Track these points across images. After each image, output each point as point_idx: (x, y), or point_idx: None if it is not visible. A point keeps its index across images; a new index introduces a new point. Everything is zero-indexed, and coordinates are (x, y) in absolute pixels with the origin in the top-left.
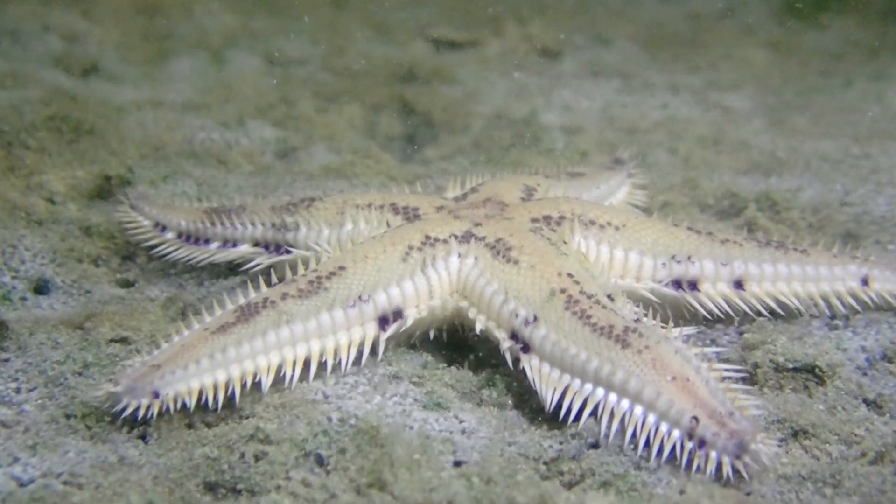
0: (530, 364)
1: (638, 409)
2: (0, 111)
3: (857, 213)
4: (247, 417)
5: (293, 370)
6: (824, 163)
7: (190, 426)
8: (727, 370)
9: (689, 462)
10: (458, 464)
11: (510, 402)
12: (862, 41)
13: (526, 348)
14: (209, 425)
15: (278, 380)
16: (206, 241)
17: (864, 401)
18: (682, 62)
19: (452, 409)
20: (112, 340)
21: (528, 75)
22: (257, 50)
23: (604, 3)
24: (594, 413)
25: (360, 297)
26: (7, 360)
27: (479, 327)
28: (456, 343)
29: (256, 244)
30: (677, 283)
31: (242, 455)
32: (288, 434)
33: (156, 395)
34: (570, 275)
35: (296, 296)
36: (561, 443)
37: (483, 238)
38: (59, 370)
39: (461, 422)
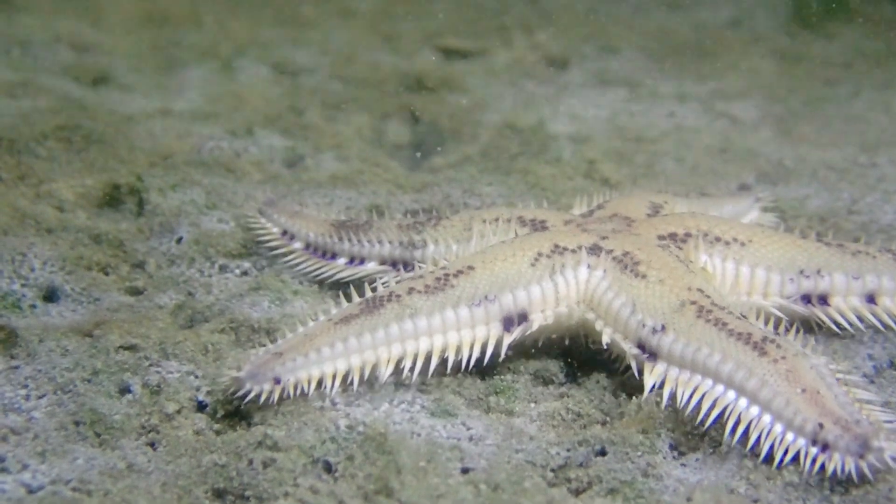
0: (658, 370)
1: (766, 418)
2: (10, 120)
3: (865, 222)
4: (255, 424)
5: (413, 363)
6: (831, 171)
7: (198, 433)
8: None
9: (812, 466)
10: (465, 471)
11: (517, 409)
12: (869, 51)
13: (653, 357)
14: (218, 432)
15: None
16: (333, 256)
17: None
18: (690, 71)
19: (460, 417)
20: (121, 348)
21: (535, 84)
22: (266, 59)
23: (611, 13)
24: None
25: (486, 297)
26: (17, 368)
27: (605, 340)
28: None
29: (383, 262)
30: (806, 298)
31: (251, 462)
32: (296, 441)
33: (277, 380)
34: (699, 289)
35: (422, 291)
36: (568, 450)
37: (611, 251)
38: (69, 377)
39: (469, 429)
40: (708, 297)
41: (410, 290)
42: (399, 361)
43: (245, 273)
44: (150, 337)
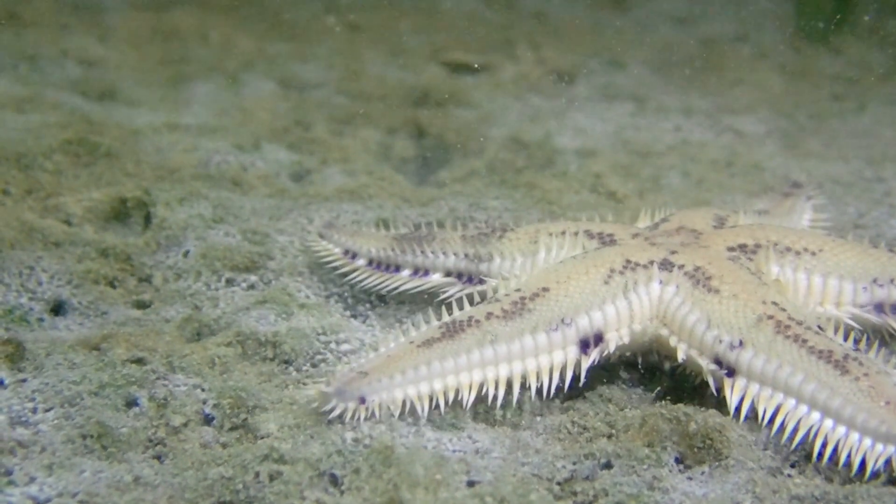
0: (738, 386)
1: (854, 436)
2: (18, 135)
3: (871, 236)
4: (262, 437)
5: (496, 389)
6: (837, 185)
7: (204, 446)
8: None
9: None
10: (471, 483)
11: (523, 422)
12: (875, 65)
13: (731, 373)
14: (224, 445)
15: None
16: (397, 269)
17: None
18: (696, 86)
19: (466, 430)
20: (128, 361)
21: (541, 99)
22: (272, 74)
23: (618, 28)
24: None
25: (562, 321)
26: (24, 381)
27: (681, 356)
28: None
29: (448, 274)
30: (879, 307)
31: (257, 475)
32: (302, 454)
33: (362, 400)
34: (774, 302)
35: (500, 316)
36: (574, 463)
37: (682, 266)
38: (76, 390)
39: (475, 442)
40: (784, 310)
41: (489, 316)
42: (481, 387)
43: (251, 286)
44: (157, 350)
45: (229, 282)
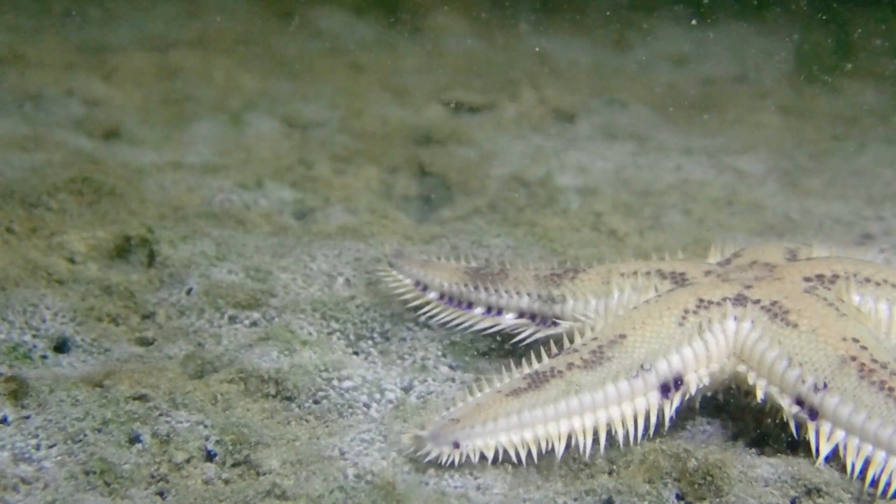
0: (822, 431)
1: None
2: (22, 173)
3: None
4: (264, 474)
5: (584, 439)
6: (837, 224)
7: (207, 482)
8: None
9: None
10: None
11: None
12: (875, 105)
13: (814, 415)
14: (226, 481)
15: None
16: (469, 305)
17: None
18: (696, 125)
19: (467, 465)
20: (131, 398)
21: (543, 138)
22: (275, 113)
23: (618, 68)
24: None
25: (641, 367)
26: (27, 418)
27: (760, 394)
28: None
29: (521, 314)
30: None
31: None
32: (304, 490)
33: (456, 445)
34: (855, 339)
35: (581, 366)
36: (575, 499)
37: (758, 301)
38: (79, 427)
39: (476, 478)
40: (865, 348)
41: (570, 366)
42: (570, 437)
43: (254, 324)
44: (160, 387)
45: (232, 319)
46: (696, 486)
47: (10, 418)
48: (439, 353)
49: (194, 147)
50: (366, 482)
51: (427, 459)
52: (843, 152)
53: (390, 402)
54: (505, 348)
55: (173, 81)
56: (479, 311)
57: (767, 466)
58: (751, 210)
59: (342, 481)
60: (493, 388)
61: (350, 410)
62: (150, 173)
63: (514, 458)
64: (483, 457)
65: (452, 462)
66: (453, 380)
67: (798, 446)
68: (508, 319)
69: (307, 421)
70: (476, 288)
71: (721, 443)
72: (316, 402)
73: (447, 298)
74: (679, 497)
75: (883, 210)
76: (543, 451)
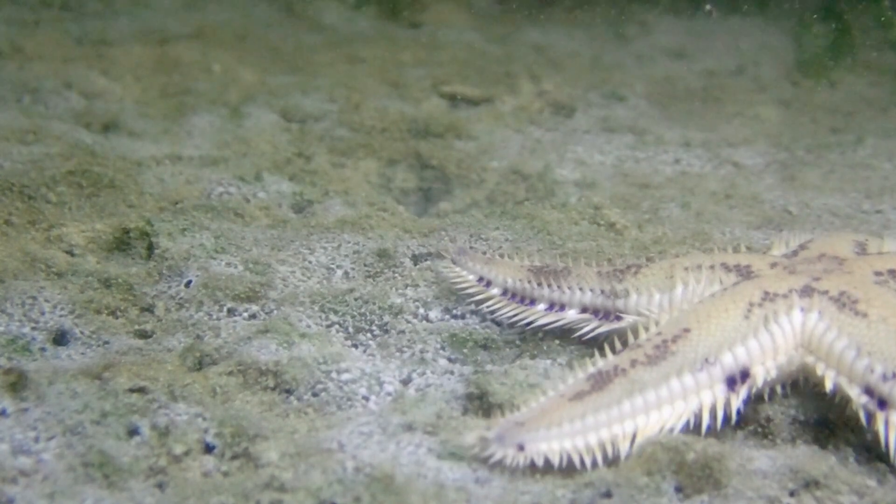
0: (890, 420)
1: None
2: (21, 166)
3: None
4: (263, 466)
5: (650, 436)
6: (835, 218)
7: (206, 474)
8: None
9: None
10: None
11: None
12: (873, 99)
13: (883, 405)
14: (225, 474)
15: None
16: (532, 302)
17: (877, 453)
18: (695, 118)
19: (466, 458)
20: (130, 390)
21: (541, 131)
22: (274, 106)
23: (617, 61)
24: None
25: (706, 360)
26: (26, 410)
27: (829, 384)
28: (468, 395)
29: (584, 310)
30: None
31: (258, 503)
32: (303, 482)
33: (521, 447)
34: None
35: (644, 362)
36: (574, 492)
37: (826, 292)
38: (78, 419)
39: (475, 470)
40: None
41: (633, 363)
42: (634, 436)
43: (253, 316)
44: (159, 379)
45: (231, 312)
46: (694, 479)
47: (8, 410)
48: (438, 345)
49: (193, 140)
50: (364, 474)
51: (492, 461)
52: (841, 145)
53: (389, 394)
54: (505, 339)
55: (172, 74)
56: (541, 307)
57: (766, 459)
58: (749, 203)
59: (341, 474)
60: (557, 391)
61: (349, 403)
62: (149, 166)
63: (577, 465)
64: (548, 462)
65: (517, 464)
66: (452, 372)
67: (797, 439)
68: (571, 315)
69: (306, 413)
70: (539, 284)
71: (719, 435)
72: (315, 394)
73: (510, 294)
74: (678, 489)
75: (881, 203)
76: (609, 454)
